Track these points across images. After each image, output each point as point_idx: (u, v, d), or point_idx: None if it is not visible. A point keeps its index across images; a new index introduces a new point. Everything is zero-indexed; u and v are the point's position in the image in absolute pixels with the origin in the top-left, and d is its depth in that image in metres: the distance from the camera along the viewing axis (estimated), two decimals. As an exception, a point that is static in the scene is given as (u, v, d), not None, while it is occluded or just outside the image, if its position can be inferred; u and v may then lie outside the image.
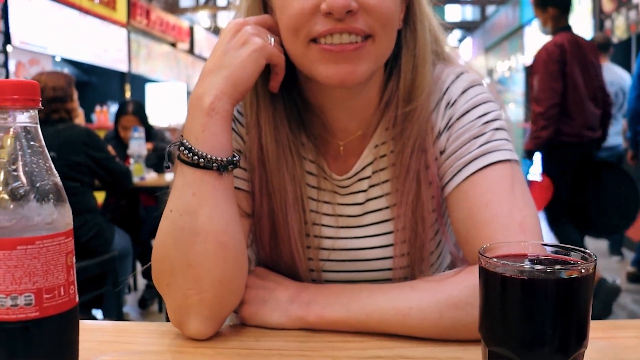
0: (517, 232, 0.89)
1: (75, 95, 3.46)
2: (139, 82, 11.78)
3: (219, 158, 0.89)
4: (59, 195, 0.63)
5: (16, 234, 0.59)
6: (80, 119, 6.49)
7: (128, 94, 10.95)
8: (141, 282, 4.79)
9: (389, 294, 0.91)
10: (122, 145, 4.42)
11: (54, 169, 0.64)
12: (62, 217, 0.63)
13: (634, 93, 4.54)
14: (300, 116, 1.04)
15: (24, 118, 0.62)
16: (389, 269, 1.04)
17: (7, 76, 6.85)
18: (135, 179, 3.83)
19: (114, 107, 8.70)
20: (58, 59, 8.87)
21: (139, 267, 4.59)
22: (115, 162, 3.44)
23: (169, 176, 4.26)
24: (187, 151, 0.88)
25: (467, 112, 0.99)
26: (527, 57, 11.13)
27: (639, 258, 5.04)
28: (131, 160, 3.99)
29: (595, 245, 6.15)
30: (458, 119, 0.99)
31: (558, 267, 0.59)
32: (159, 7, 13.71)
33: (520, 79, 11.91)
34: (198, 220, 0.87)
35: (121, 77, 10.87)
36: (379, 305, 0.89)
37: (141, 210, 4.23)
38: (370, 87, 1.01)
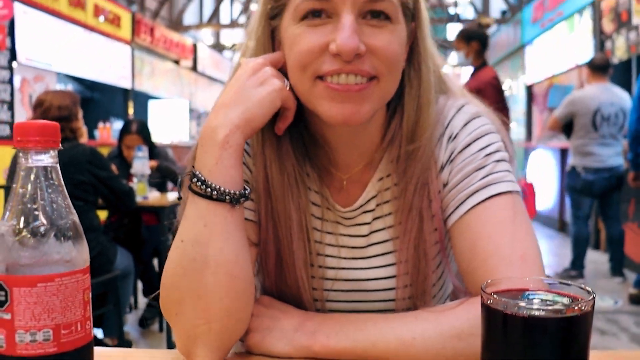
0: (519, 263, 0.91)
1: (80, 114, 3.49)
2: (142, 99, 11.83)
3: (232, 191, 0.91)
4: (78, 233, 0.65)
5: (36, 271, 0.60)
6: (83, 136, 6.52)
7: (131, 111, 10.99)
8: (142, 301, 4.79)
9: (393, 324, 0.92)
10: (125, 164, 4.44)
11: (72, 207, 0.66)
12: (80, 254, 0.65)
13: (634, 115, 4.57)
14: (305, 148, 1.06)
15: (45, 158, 0.64)
16: (392, 300, 1.06)
17: (12, 92, 6.90)
18: (139, 199, 3.84)
19: (117, 124, 8.75)
20: (62, 75, 8.92)
21: (140, 285, 4.60)
22: (118, 181, 3.45)
23: (171, 195, 4.28)
24: (199, 183, 0.91)
25: (469, 145, 1.01)
26: (529, 77, 11.19)
27: None
28: (134, 180, 4.00)
29: (597, 266, 6.16)
30: (460, 152, 1.01)
31: (558, 305, 0.61)
32: (163, 24, 13.82)
33: (522, 98, 11.96)
34: (209, 251, 0.89)
35: (124, 94, 10.92)
36: (384, 335, 0.91)
37: (143, 230, 4.24)
38: (373, 124, 1.04)
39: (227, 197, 0.90)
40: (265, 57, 1.00)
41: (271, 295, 1.07)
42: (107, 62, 9.81)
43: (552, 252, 7.41)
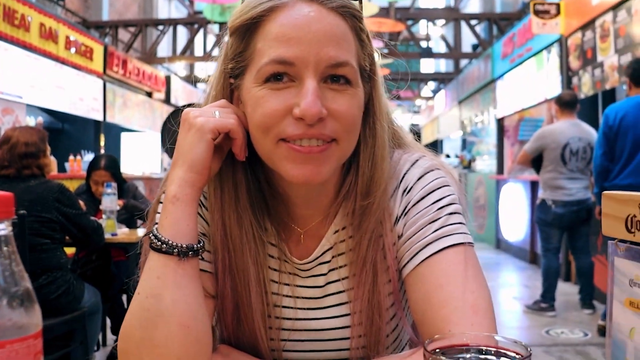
0: (470, 314, 0.93)
1: (48, 150, 3.47)
2: (114, 131, 11.79)
3: (180, 244, 0.93)
4: (30, 298, 0.66)
5: (-13, 338, 0.60)
6: (53, 168, 6.46)
7: (103, 143, 10.93)
8: (110, 338, 4.72)
9: None
10: (93, 200, 4.40)
11: (25, 272, 0.66)
12: (32, 319, 0.65)
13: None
14: (265, 202, 1.08)
15: None
16: (347, 349, 1.07)
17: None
18: (107, 235, 3.81)
19: (88, 156, 8.69)
20: (32, 107, 8.86)
21: (108, 322, 4.53)
22: (86, 218, 3.42)
23: (140, 231, 4.25)
24: (153, 236, 0.94)
25: (423, 198, 1.03)
26: (499, 110, 11.38)
27: None
28: (103, 216, 3.97)
29: (567, 298, 6.22)
30: (414, 204, 1.04)
31: (495, 363, 0.62)
32: (136, 56, 13.83)
33: (492, 131, 12.13)
34: (162, 303, 0.91)
35: (96, 126, 10.89)
36: None
37: (112, 266, 4.20)
38: (330, 181, 1.06)
39: (175, 250, 0.93)
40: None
41: (230, 344, 1.08)
42: (78, 94, 9.79)
43: (523, 284, 7.47)
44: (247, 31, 0.98)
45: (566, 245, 6.41)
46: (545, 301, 5.77)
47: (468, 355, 0.66)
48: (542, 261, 5.89)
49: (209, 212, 1.07)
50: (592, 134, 5.59)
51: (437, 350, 0.66)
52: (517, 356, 0.65)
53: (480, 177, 11.23)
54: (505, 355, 0.66)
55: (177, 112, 6.76)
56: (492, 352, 0.67)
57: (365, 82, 1.02)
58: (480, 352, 0.67)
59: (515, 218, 9.07)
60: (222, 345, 1.07)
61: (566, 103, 5.69)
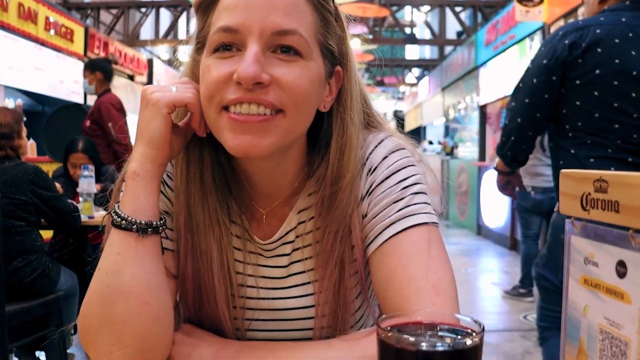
0: (432, 294, 0.93)
1: (24, 132, 3.43)
2: (95, 115, 11.64)
3: (139, 220, 0.92)
4: None
5: None
6: (32, 150, 6.39)
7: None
8: (89, 321, 4.69)
9: (308, 352, 0.94)
10: (71, 183, 4.36)
11: None
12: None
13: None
14: (227, 184, 1.07)
15: None
16: (311, 329, 1.07)
17: (-43, 107, 6.72)
18: (84, 218, 3.78)
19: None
20: (11, 89, 8.75)
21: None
22: (62, 200, 3.39)
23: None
24: (114, 213, 0.93)
25: (387, 177, 1.03)
26: (482, 97, 11.41)
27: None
28: (81, 199, 3.94)
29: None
30: (379, 184, 1.03)
31: (448, 339, 0.62)
32: (118, 39, 13.68)
33: (475, 118, 12.18)
34: (121, 279, 0.90)
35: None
36: None
37: (89, 249, 4.17)
38: (290, 160, 1.05)
39: (134, 227, 0.92)
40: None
41: (192, 324, 1.07)
42: (58, 76, 9.67)
43: (503, 270, 7.53)
44: (206, 8, 0.99)
45: (545, 231, 6.47)
46: (524, 287, 5.83)
47: (420, 332, 0.66)
48: (521, 247, 5.94)
49: (173, 192, 1.07)
50: None
51: (389, 327, 0.65)
52: (471, 332, 0.65)
53: (462, 164, 11.28)
54: (458, 332, 0.66)
55: (61, 110, 6.73)
56: (446, 328, 0.67)
57: (329, 61, 1.01)
58: (433, 329, 0.67)
59: (496, 205, 9.13)
60: (185, 324, 1.06)
61: None
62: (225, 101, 0.92)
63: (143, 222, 0.93)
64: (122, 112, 5.51)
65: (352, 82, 1.05)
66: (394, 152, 1.06)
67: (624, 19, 2.35)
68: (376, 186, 1.03)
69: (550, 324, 2.76)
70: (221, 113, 0.94)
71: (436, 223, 1.01)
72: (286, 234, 1.08)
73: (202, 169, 1.03)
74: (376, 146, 1.06)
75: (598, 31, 2.33)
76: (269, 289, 1.09)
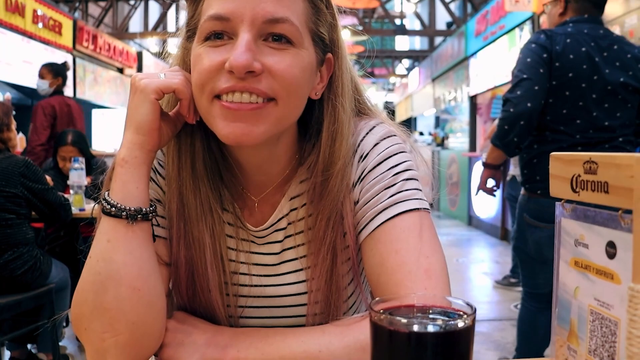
0: (424, 278, 0.93)
1: (13, 125, 3.41)
2: (85, 108, 11.56)
3: (128, 207, 0.92)
4: None
5: None
6: (21, 144, 6.36)
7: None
8: (81, 314, 4.68)
9: (301, 338, 0.95)
10: (61, 176, 4.34)
11: None
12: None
13: None
14: (219, 172, 1.07)
15: None
16: (303, 316, 1.07)
17: (-55, 101, 6.68)
18: (75, 210, 3.76)
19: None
20: None
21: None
22: (52, 193, 3.38)
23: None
24: (104, 201, 0.93)
25: (379, 164, 1.03)
26: (472, 88, 11.43)
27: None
28: (71, 191, 3.92)
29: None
30: (370, 170, 1.03)
31: (439, 321, 0.63)
32: (107, 32, 13.60)
33: (465, 109, 12.20)
34: (112, 266, 0.91)
35: (66, 103, 10.69)
36: (292, 348, 0.93)
37: (80, 241, 4.16)
38: (281, 148, 1.05)
39: (124, 214, 0.92)
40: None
41: (186, 312, 1.07)
42: (47, 70, 9.59)
43: (494, 259, 7.57)
44: None
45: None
46: (515, 276, 5.85)
47: (412, 315, 0.67)
48: (512, 237, 5.96)
49: (165, 180, 1.06)
50: None
51: (382, 310, 0.66)
52: (463, 314, 0.65)
53: (453, 155, 11.31)
54: (450, 314, 0.66)
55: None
56: (438, 311, 0.67)
57: (320, 49, 1.01)
58: (425, 311, 0.67)
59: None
60: (178, 311, 1.06)
61: None
62: (217, 90, 0.92)
63: (132, 208, 0.93)
64: (48, 117, 5.64)
65: (343, 69, 1.05)
66: (385, 138, 1.06)
67: (585, 30, 2.74)
68: (368, 173, 1.04)
69: (527, 291, 3.12)
70: (213, 102, 0.93)
71: (427, 209, 1.01)
72: (278, 220, 1.08)
73: (194, 157, 1.03)
74: (367, 133, 1.07)
75: (568, 40, 2.70)
76: (261, 276, 1.09)
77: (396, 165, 1.03)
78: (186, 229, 1.03)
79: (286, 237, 1.08)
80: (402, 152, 1.05)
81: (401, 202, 1.00)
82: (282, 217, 1.08)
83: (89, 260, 0.93)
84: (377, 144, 1.05)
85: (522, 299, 3.17)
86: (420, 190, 1.03)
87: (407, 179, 1.02)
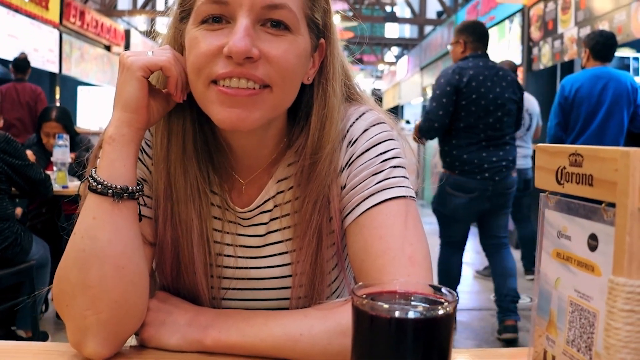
0: (407, 264, 0.94)
1: None
2: (70, 84, 11.50)
3: (114, 185, 0.92)
4: None
5: None
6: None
7: (58, 96, 10.66)
8: (61, 292, 4.66)
9: (282, 321, 0.95)
10: (44, 152, 4.30)
11: None
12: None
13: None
14: (210, 154, 1.07)
15: None
16: (287, 299, 1.08)
17: None
18: (58, 187, 3.74)
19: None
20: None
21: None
22: (33, 169, 3.34)
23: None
24: (90, 178, 0.93)
25: (368, 150, 1.04)
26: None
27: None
28: (54, 168, 3.89)
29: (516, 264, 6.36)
30: (358, 156, 1.04)
31: (420, 307, 0.63)
32: (95, 8, 13.45)
33: (452, 99, 12.19)
34: (97, 243, 0.90)
35: (51, 78, 10.59)
36: (273, 331, 0.93)
37: (63, 219, 4.13)
38: (272, 131, 1.05)
39: (110, 191, 0.92)
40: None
41: (168, 292, 1.07)
42: (32, 44, 9.49)
43: (475, 249, 7.59)
44: None
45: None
46: (494, 267, 5.92)
47: (394, 301, 0.67)
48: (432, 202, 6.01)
49: (152, 160, 1.06)
50: (531, 102, 5.77)
51: (364, 295, 0.66)
52: (444, 302, 0.66)
53: (437, 144, 11.32)
54: (432, 301, 0.67)
55: None
56: (419, 298, 0.67)
57: (314, 34, 1.01)
58: (407, 297, 0.68)
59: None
60: (159, 291, 1.06)
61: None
62: (214, 75, 0.92)
63: (119, 186, 0.92)
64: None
65: (334, 54, 1.06)
66: (374, 125, 1.06)
67: (481, 63, 4.01)
68: (356, 158, 1.04)
69: (444, 240, 4.32)
70: (209, 86, 0.93)
71: (413, 197, 1.02)
72: (264, 202, 1.08)
73: (185, 137, 1.03)
74: (357, 118, 1.07)
75: (471, 72, 3.94)
76: (246, 258, 1.09)
77: (385, 152, 1.03)
78: (173, 210, 1.03)
79: (272, 219, 1.08)
80: (391, 139, 1.05)
81: (388, 189, 1.00)
82: (269, 199, 1.08)
83: (73, 236, 0.92)
84: (367, 129, 1.05)
85: (440, 247, 4.32)
86: (407, 178, 1.03)
87: (395, 167, 1.02)
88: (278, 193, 1.08)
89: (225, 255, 1.09)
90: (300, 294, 1.05)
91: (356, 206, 1.01)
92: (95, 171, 0.94)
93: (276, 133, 1.06)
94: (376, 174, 1.02)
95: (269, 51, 0.92)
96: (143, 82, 0.95)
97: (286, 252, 1.08)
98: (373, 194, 1.00)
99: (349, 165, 1.04)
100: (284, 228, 1.08)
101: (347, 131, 1.06)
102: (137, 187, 0.95)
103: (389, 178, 1.01)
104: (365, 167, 1.03)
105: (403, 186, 1.01)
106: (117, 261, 0.91)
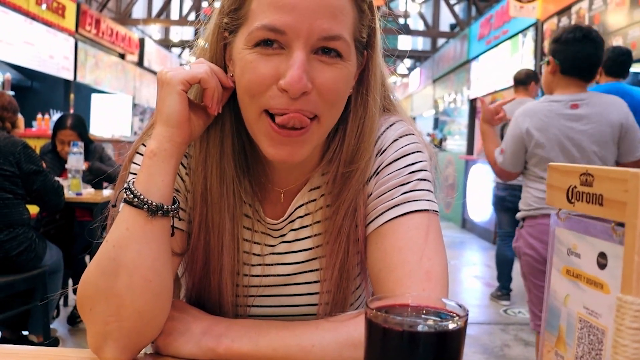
0: (423, 279, 0.95)
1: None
2: (84, 92, 11.59)
3: (150, 201, 0.93)
4: None
5: None
6: (19, 123, 6.41)
7: (72, 103, 10.75)
8: (72, 298, 4.70)
9: (295, 331, 0.96)
10: (58, 159, 4.34)
11: None
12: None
13: None
14: (246, 162, 1.08)
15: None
16: (314, 304, 1.09)
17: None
18: (72, 194, 3.78)
19: (56, 116, 8.55)
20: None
21: (71, 283, 4.51)
22: (47, 177, 3.38)
23: (106, 192, 4.22)
24: (127, 189, 0.95)
25: (396, 160, 1.05)
26: (473, 91, 11.44)
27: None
28: (69, 175, 3.93)
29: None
30: (387, 165, 1.05)
31: (430, 321, 0.65)
32: (110, 17, 13.57)
33: (465, 111, 12.21)
34: (127, 254, 0.92)
35: (66, 85, 10.69)
36: (285, 341, 0.94)
37: (76, 225, 4.16)
38: (315, 149, 1.05)
39: (145, 207, 0.93)
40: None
41: (191, 298, 1.10)
42: (48, 51, 9.60)
43: (485, 263, 7.60)
44: None
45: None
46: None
47: (407, 314, 0.69)
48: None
49: (185, 168, 1.08)
50: None
51: (378, 308, 0.68)
52: (455, 316, 0.67)
53: (450, 157, 11.33)
54: (443, 315, 0.68)
55: None
56: (432, 312, 0.69)
57: (360, 52, 1.02)
58: (420, 311, 0.69)
59: (481, 199, 9.19)
60: (176, 300, 1.07)
61: (518, 81, 5.62)
62: (268, 106, 0.93)
63: (154, 203, 0.94)
64: None
65: (376, 64, 1.06)
66: (404, 136, 1.07)
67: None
68: (384, 167, 1.05)
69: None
70: (262, 116, 0.95)
71: (437, 211, 1.03)
72: (296, 209, 1.10)
73: (223, 142, 1.04)
74: (387, 128, 1.08)
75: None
76: (274, 265, 1.11)
77: (413, 164, 1.04)
78: (207, 213, 1.04)
79: (302, 227, 1.10)
80: (419, 151, 1.07)
81: (413, 201, 1.01)
82: (301, 206, 1.10)
83: (105, 243, 0.94)
84: (396, 140, 1.07)
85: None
86: (432, 192, 1.04)
87: (421, 179, 1.04)
88: (310, 201, 1.10)
89: (252, 265, 1.10)
90: (328, 299, 1.07)
91: (380, 215, 1.02)
92: (133, 183, 0.95)
93: (318, 150, 1.07)
94: (403, 184, 1.03)
95: (322, 83, 0.93)
96: (183, 96, 0.96)
97: (315, 259, 1.09)
98: (397, 205, 1.01)
99: (377, 174, 1.05)
100: (315, 235, 1.09)
101: (377, 140, 1.07)
102: (173, 206, 0.96)
103: (415, 190, 1.02)
104: (393, 177, 1.04)
105: (427, 199, 1.02)
106: (145, 274, 0.92)
